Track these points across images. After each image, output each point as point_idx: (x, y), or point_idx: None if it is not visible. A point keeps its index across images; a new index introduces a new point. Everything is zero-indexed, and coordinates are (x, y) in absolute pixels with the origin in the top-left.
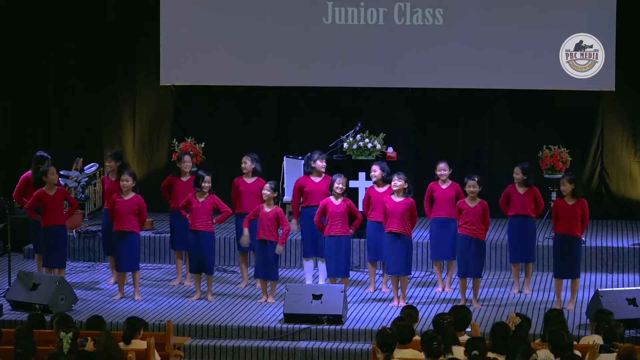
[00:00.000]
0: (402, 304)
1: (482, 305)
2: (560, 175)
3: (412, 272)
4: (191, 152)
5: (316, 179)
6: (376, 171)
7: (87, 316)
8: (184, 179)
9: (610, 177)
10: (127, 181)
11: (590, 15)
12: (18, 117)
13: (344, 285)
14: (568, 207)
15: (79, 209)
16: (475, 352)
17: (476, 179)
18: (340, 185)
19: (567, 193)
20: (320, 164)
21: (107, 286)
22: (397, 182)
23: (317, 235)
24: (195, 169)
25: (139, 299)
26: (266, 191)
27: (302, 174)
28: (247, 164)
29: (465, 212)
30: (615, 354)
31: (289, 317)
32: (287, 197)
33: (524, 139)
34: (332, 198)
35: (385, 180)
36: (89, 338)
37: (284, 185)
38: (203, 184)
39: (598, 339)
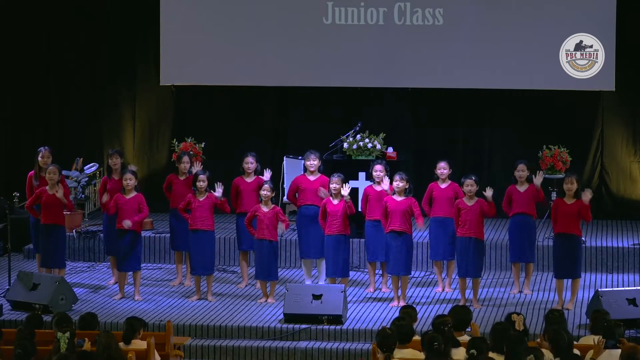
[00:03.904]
0: (402, 304)
1: (482, 305)
2: (561, 175)
3: (412, 272)
4: (191, 152)
5: (311, 178)
6: (382, 171)
7: None
8: (182, 178)
9: (610, 177)
10: (130, 180)
11: (590, 15)
12: (18, 117)
13: (344, 285)
14: (567, 207)
15: (79, 209)
16: (472, 351)
17: (473, 178)
18: (335, 185)
19: (572, 192)
20: (307, 162)
21: (108, 286)
22: (399, 182)
23: (311, 235)
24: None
25: (139, 299)
26: (266, 192)
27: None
28: (253, 164)
29: (464, 212)
30: (619, 350)
31: (289, 317)
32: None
33: (524, 139)
34: (331, 197)
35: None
36: (86, 339)
37: (284, 186)
38: (198, 183)
39: (597, 339)
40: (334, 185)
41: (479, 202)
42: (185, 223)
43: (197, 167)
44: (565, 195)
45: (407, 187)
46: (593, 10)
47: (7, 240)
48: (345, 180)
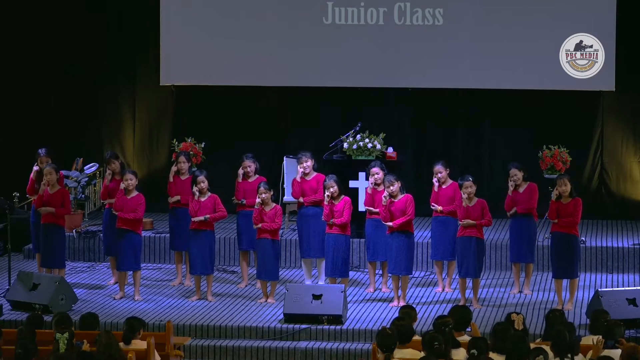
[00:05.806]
0: (402, 303)
1: (482, 305)
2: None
3: (412, 272)
4: (191, 152)
5: (308, 178)
6: (379, 174)
7: None
8: (183, 177)
9: (610, 177)
10: (130, 180)
11: (590, 15)
12: (18, 117)
13: (344, 285)
14: (563, 206)
15: (79, 209)
16: (473, 351)
17: (470, 179)
18: (328, 193)
19: (567, 192)
20: (302, 165)
21: (108, 286)
22: (391, 187)
23: (312, 235)
24: (195, 169)
25: (139, 299)
26: (264, 194)
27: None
28: (252, 167)
29: (464, 212)
30: (619, 350)
31: (289, 317)
32: (287, 197)
33: (524, 139)
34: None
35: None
36: (84, 340)
37: (284, 185)
38: (198, 185)
39: (596, 339)
40: (332, 190)
41: (479, 202)
42: (185, 223)
43: (181, 166)
44: (562, 197)
45: (400, 185)
46: (593, 10)
47: (7, 240)
48: (333, 185)
